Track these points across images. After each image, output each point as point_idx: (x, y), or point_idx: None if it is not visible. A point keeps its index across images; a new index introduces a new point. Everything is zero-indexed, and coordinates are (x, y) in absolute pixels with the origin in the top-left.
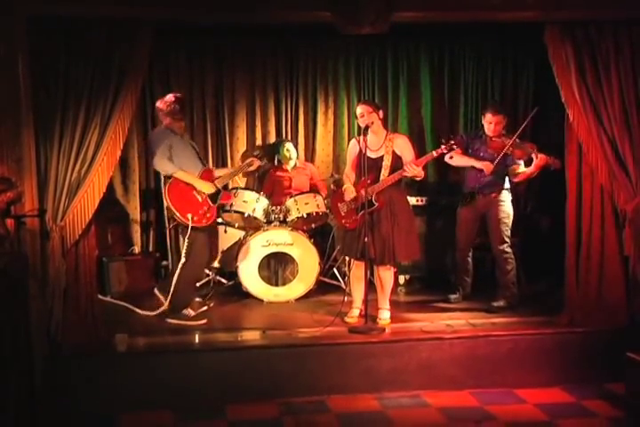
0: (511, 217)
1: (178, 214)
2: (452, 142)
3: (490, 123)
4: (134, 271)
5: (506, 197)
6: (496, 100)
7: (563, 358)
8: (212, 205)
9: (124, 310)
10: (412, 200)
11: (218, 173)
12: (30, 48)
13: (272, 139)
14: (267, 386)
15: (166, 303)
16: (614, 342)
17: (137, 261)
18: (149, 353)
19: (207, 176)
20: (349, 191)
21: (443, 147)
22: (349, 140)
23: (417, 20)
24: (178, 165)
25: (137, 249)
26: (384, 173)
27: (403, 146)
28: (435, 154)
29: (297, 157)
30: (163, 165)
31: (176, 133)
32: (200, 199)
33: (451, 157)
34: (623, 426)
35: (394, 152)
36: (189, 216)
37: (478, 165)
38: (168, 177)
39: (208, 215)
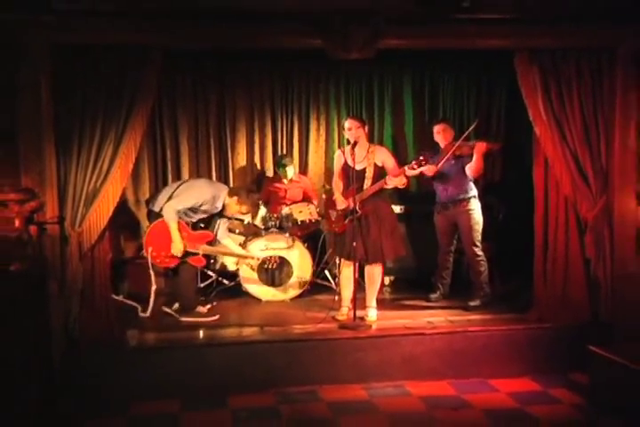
0: (481, 223)
1: (144, 242)
2: (421, 159)
3: (437, 133)
4: (144, 273)
5: (475, 206)
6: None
7: (532, 351)
8: (178, 257)
9: (135, 308)
10: (398, 208)
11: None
12: (52, 71)
13: (269, 153)
14: (264, 377)
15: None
16: (578, 337)
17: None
18: (158, 348)
19: (196, 238)
20: (340, 201)
21: (413, 163)
22: None
23: (401, 46)
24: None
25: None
26: (367, 182)
27: (383, 156)
28: (406, 169)
29: (294, 174)
30: (169, 212)
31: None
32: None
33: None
34: (585, 412)
35: (375, 164)
36: (149, 249)
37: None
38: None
39: (166, 260)
